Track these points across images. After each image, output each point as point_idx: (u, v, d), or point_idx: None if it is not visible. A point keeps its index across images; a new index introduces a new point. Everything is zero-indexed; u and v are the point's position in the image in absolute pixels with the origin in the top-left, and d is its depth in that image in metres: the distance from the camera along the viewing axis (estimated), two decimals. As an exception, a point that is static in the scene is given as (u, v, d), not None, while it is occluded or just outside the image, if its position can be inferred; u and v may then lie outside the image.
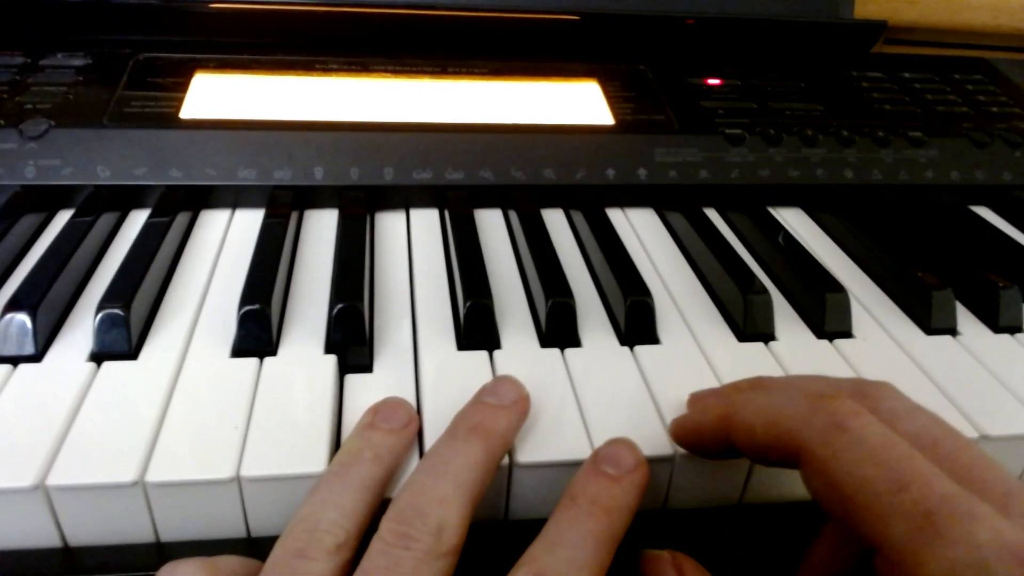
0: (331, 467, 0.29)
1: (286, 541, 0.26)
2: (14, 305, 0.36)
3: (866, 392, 0.27)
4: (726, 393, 0.32)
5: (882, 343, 0.41)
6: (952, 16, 0.75)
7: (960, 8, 0.75)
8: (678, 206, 0.51)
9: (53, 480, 0.29)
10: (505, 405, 0.31)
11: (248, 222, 0.48)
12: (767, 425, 0.26)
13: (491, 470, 0.29)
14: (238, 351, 0.37)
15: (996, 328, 0.43)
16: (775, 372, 0.38)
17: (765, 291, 0.41)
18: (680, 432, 0.31)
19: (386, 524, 0.26)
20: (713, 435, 0.29)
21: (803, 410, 0.25)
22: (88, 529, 0.30)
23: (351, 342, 0.37)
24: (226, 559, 0.27)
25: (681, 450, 0.32)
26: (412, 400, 0.34)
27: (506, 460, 0.31)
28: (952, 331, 0.42)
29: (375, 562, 0.25)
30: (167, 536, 0.31)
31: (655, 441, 0.32)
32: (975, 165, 0.57)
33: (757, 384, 0.31)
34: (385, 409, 0.32)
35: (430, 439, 0.31)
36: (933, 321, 0.42)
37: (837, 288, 0.42)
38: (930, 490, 0.22)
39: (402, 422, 0.31)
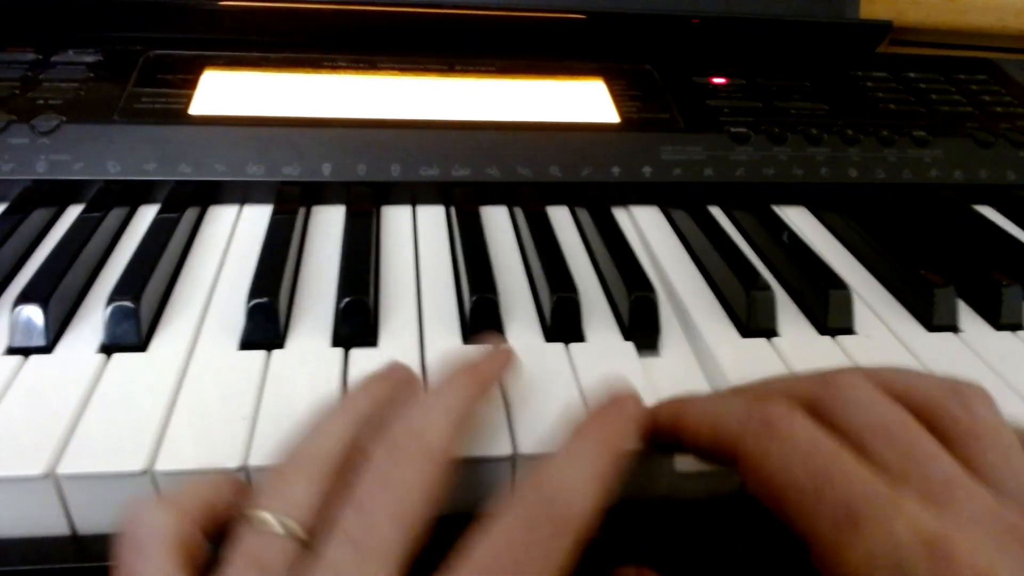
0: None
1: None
2: (26, 297, 0.37)
3: (830, 381, 0.28)
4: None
5: (884, 339, 0.41)
6: (957, 17, 0.75)
7: (965, 9, 0.75)
8: (683, 204, 0.52)
9: (63, 469, 0.29)
10: (489, 354, 0.33)
11: (256, 217, 0.49)
12: (709, 428, 0.28)
13: (478, 398, 0.30)
14: (246, 343, 0.37)
15: (998, 325, 0.43)
16: (778, 367, 0.38)
17: (768, 287, 0.41)
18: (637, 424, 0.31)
19: (374, 441, 0.26)
20: (663, 433, 0.30)
21: (740, 414, 0.27)
22: (97, 517, 0.30)
23: (358, 335, 0.37)
24: (194, 486, 0.27)
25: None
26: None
27: (509, 451, 0.31)
28: (954, 328, 0.42)
29: (363, 478, 0.25)
30: (176, 524, 0.31)
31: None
32: (979, 165, 0.57)
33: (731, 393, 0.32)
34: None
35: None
36: (935, 318, 0.42)
37: (840, 285, 0.42)
38: (851, 487, 0.23)
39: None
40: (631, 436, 0.29)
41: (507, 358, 0.34)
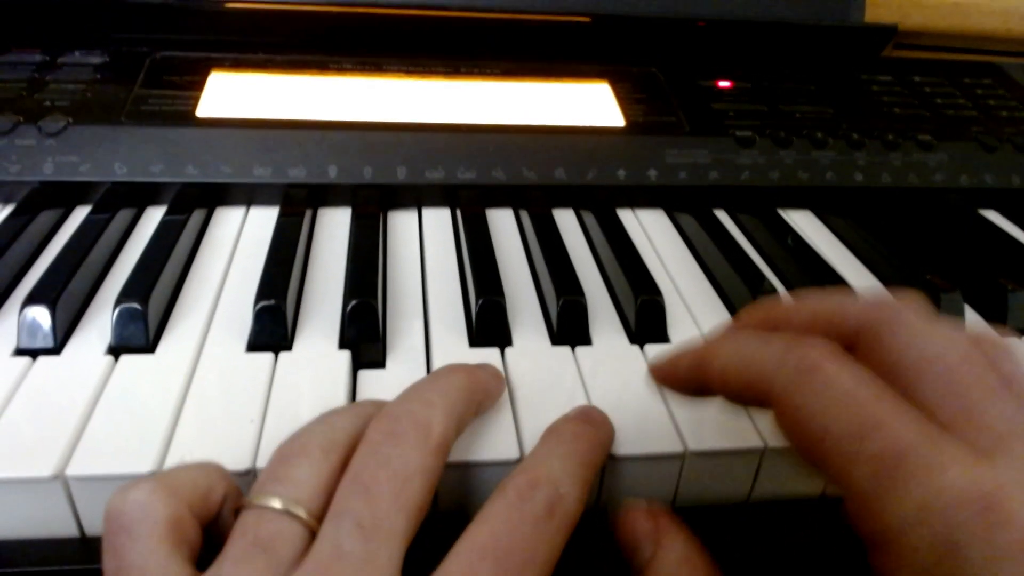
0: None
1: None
2: (34, 299, 0.37)
3: (885, 304, 0.26)
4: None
5: (891, 344, 0.41)
6: (962, 20, 0.75)
7: (970, 12, 0.75)
8: (688, 207, 0.52)
9: (72, 470, 0.29)
10: (484, 366, 0.33)
11: (263, 219, 0.49)
12: (740, 368, 0.26)
13: (474, 397, 0.30)
14: (253, 346, 0.37)
15: (1005, 331, 0.43)
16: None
17: (775, 291, 0.41)
18: (656, 370, 0.30)
19: (373, 426, 0.26)
20: (688, 374, 0.29)
21: (777, 353, 0.25)
22: (106, 519, 0.31)
23: (365, 338, 0.37)
24: (185, 470, 0.27)
25: (692, 447, 0.32)
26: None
27: (516, 455, 0.31)
28: (961, 333, 0.42)
29: (364, 461, 0.25)
30: (184, 526, 0.31)
31: (665, 438, 0.33)
32: (984, 169, 0.57)
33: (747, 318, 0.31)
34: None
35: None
36: (942, 323, 0.42)
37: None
38: (896, 437, 0.21)
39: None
40: (607, 437, 0.31)
41: (500, 378, 0.34)
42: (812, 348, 0.24)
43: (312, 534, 0.24)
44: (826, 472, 0.23)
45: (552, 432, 0.30)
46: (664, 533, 0.27)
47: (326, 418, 0.28)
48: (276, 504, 0.24)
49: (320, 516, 0.24)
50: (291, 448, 0.26)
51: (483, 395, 0.32)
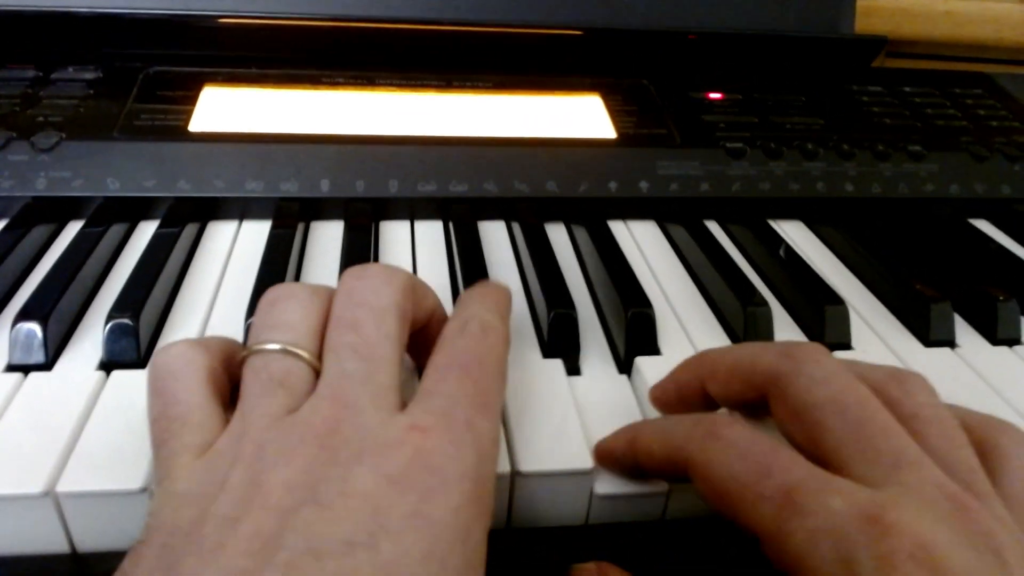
0: None
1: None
2: (25, 315, 0.37)
3: (792, 354, 0.29)
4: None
5: (880, 355, 0.41)
6: (954, 30, 0.76)
7: (962, 22, 0.76)
8: (680, 219, 0.52)
9: (63, 487, 0.29)
10: None
11: (255, 233, 0.49)
12: (661, 444, 0.29)
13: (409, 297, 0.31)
14: (245, 360, 0.37)
15: (994, 341, 0.43)
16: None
17: (765, 304, 0.41)
18: (597, 454, 0.33)
19: (346, 275, 0.31)
20: (622, 456, 0.31)
21: (687, 427, 0.28)
22: (97, 535, 0.31)
23: (356, 352, 0.37)
24: (213, 338, 0.31)
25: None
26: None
27: (508, 469, 0.31)
28: (951, 343, 0.43)
29: (344, 304, 0.29)
30: (174, 542, 0.31)
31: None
32: (975, 179, 0.57)
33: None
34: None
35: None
36: (931, 333, 0.42)
37: (836, 301, 0.42)
38: (790, 474, 0.24)
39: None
40: (508, 293, 0.35)
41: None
42: (714, 419, 0.28)
43: (314, 372, 0.28)
44: (738, 519, 0.25)
45: (465, 293, 0.34)
46: None
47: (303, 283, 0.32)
48: (276, 348, 0.28)
49: (317, 355, 0.28)
50: (278, 293, 0.30)
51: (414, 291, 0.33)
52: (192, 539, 0.23)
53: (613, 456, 0.32)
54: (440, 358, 0.29)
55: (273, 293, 0.30)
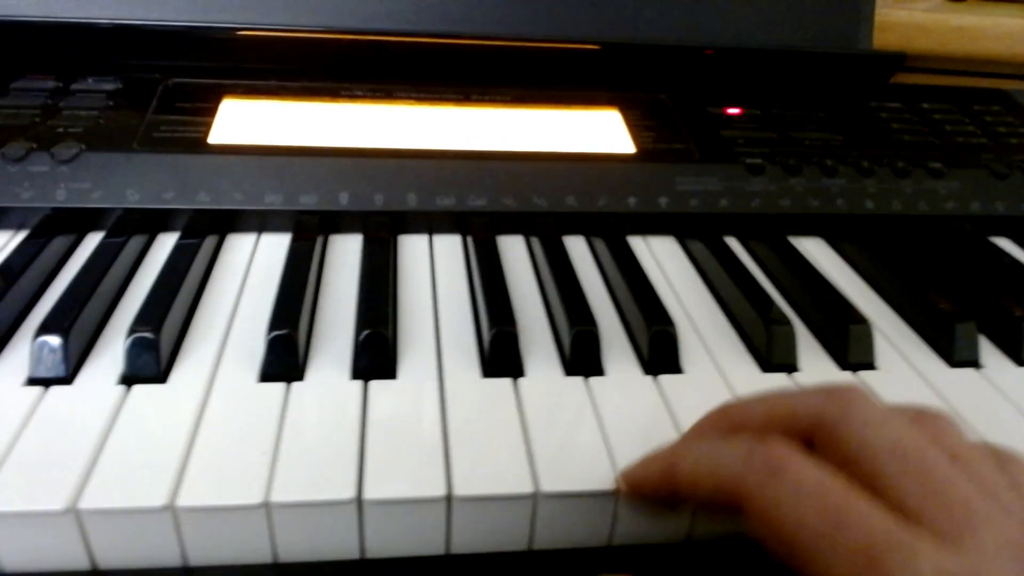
0: None
1: None
2: (46, 328, 0.37)
3: (836, 396, 0.27)
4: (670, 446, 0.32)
5: (905, 375, 0.41)
6: (968, 45, 0.75)
7: (976, 37, 0.75)
8: (699, 235, 0.52)
9: (84, 504, 0.29)
10: None
11: (274, 246, 0.49)
12: (709, 470, 0.27)
13: None
14: (266, 376, 0.37)
15: (1020, 361, 0.43)
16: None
17: (788, 322, 0.41)
18: (627, 477, 0.31)
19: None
20: (658, 480, 0.30)
21: (742, 453, 0.26)
22: (117, 552, 0.30)
23: (377, 368, 0.37)
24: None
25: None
26: (437, 428, 0.34)
27: (529, 489, 0.31)
28: (975, 364, 0.42)
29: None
30: (196, 560, 0.31)
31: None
32: (995, 196, 0.57)
33: (706, 426, 0.32)
34: None
35: (456, 465, 0.32)
36: (956, 354, 0.42)
37: (860, 319, 0.42)
38: (868, 528, 0.23)
39: None
40: None
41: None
42: (776, 447, 0.26)
43: None
44: (804, 568, 0.24)
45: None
46: None
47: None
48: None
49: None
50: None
51: None
52: None
53: (647, 487, 0.30)
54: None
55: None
